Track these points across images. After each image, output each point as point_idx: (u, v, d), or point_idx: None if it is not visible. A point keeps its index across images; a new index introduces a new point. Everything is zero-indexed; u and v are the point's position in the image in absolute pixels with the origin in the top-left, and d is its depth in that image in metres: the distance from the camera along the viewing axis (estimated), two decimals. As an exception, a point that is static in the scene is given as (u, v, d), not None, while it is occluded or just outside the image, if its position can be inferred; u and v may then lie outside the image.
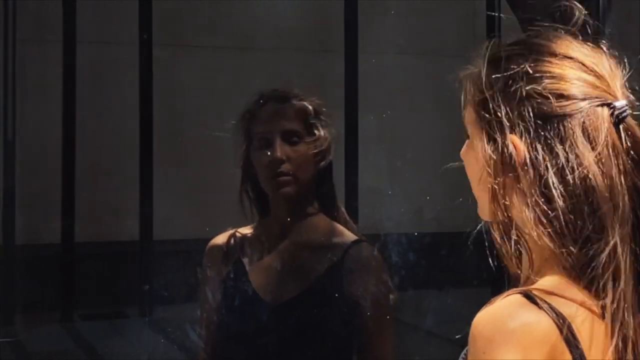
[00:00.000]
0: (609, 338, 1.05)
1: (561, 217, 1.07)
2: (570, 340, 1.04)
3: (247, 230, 2.15)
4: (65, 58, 7.54)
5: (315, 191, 2.10)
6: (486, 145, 1.14)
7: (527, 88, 1.11)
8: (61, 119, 7.55)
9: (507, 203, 1.12)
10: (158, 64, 7.81)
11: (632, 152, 1.10)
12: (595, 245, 1.06)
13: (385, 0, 8.51)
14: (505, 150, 1.11)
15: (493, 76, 1.14)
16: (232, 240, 2.14)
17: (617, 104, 1.10)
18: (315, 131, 2.08)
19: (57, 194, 7.54)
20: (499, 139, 1.12)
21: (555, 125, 1.09)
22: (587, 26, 1.17)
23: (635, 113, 1.12)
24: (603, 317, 1.06)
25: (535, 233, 1.10)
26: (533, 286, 1.09)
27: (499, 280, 1.21)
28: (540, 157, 1.09)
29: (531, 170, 1.10)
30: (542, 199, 1.09)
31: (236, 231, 2.16)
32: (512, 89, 1.12)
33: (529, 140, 1.10)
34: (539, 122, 1.10)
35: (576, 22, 1.16)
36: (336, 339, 2.01)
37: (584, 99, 1.10)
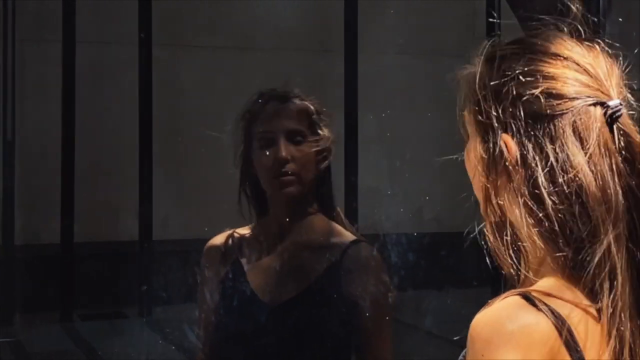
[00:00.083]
0: (605, 340, 1.04)
1: (552, 218, 1.07)
2: (570, 342, 1.03)
3: (245, 230, 2.15)
4: (64, 58, 7.54)
5: (315, 191, 2.09)
6: (480, 145, 1.14)
7: (519, 88, 1.11)
8: (61, 119, 7.55)
9: (501, 203, 1.11)
10: (158, 64, 7.81)
11: (625, 152, 1.09)
12: (588, 246, 1.06)
13: (385, 0, 8.51)
14: (498, 150, 1.11)
15: (487, 76, 1.14)
16: (230, 241, 2.13)
17: (611, 103, 1.09)
18: (319, 131, 2.08)
19: (56, 194, 7.54)
20: (492, 139, 1.12)
21: (546, 124, 1.09)
22: (587, 25, 1.16)
23: (631, 112, 1.12)
24: (600, 319, 1.05)
25: (526, 233, 1.09)
26: (531, 287, 1.08)
27: (498, 280, 1.20)
28: (531, 157, 1.09)
29: (522, 170, 1.09)
30: (533, 200, 1.08)
31: (234, 231, 2.15)
32: (505, 88, 1.12)
33: (520, 140, 1.10)
34: (529, 121, 1.09)
35: (574, 20, 1.16)
36: (335, 340, 2.00)
37: (575, 98, 1.09)
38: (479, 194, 1.16)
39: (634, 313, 1.06)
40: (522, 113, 1.10)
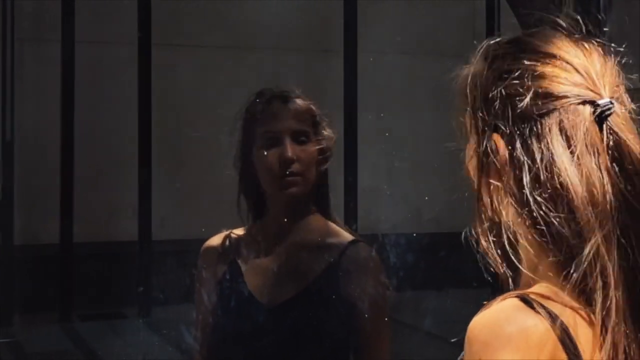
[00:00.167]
0: (599, 344, 1.03)
1: (539, 219, 1.06)
2: (568, 345, 1.02)
3: (242, 231, 2.14)
4: (64, 58, 7.54)
5: (314, 191, 2.09)
6: (473, 145, 1.13)
7: (509, 87, 1.10)
8: (60, 119, 7.54)
9: (494, 204, 1.11)
10: (157, 63, 7.80)
11: (614, 151, 1.07)
12: (577, 248, 1.04)
13: (385, 0, 8.51)
14: (488, 150, 1.11)
15: (479, 76, 1.13)
16: (227, 241, 2.12)
17: (600, 101, 1.08)
18: (323, 131, 2.08)
19: (56, 194, 7.54)
20: (484, 139, 1.12)
21: (533, 124, 1.08)
22: (586, 24, 1.15)
23: (624, 111, 1.10)
24: (594, 321, 1.04)
25: (516, 235, 1.09)
26: (529, 290, 1.07)
27: (498, 281, 1.19)
28: (518, 157, 1.08)
29: (511, 171, 1.09)
30: (520, 201, 1.07)
31: (231, 232, 2.14)
32: (495, 88, 1.11)
33: (509, 140, 1.09)
34: (518, 121, 1.09)
35: (572, 19, 1.15)
36: (333, 341, 1.99)
37: (563, 97, 1.08)
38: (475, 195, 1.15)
39: (629, 315, 1.04)
40: (511, 113, 1.09)
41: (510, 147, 1.09)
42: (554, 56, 1.11)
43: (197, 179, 7.97)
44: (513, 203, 1.08)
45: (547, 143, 1.07)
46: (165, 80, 8.04)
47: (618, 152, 1.07)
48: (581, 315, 1.04)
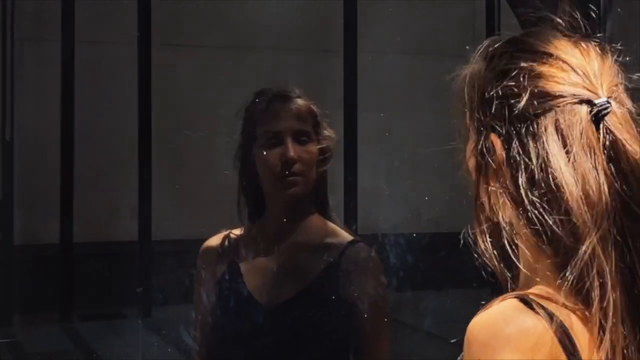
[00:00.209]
0: (597, 345, 1.03)
1: (534, 220, 1.05)
2: (567, 346, 1.02)
3: (242, 231, 2.13)
4: (64, 58, 7.53)
5: (314, 192, 2.08)
6: (472, 145, 1.13)
7: (506, 87, 1.10)
8: (60, 119, 7.54)
9: (492, 205, 1.10)
10: (157, 63, 7.80)
11: (610, 151, 1.06)
12: (572, 248, 1.04)
13: (385, 0, 8.50)
14: (486, 149, 1.10)
15: (477, 76, 1.13)
16: (226, 242, 2.12)
17: (597, 101, 1.07)
18: (324, 131, 2.07)
19: (55, 194, 7.53)
20: (481, 139, 1.11)
21: (529, 123, 1.08)
22: (586, 24, 1.15)
23: (620, 110, 1.09)
24: (593, 323, 1.03)
25: (513, 236, 1.08)
26: (529, 290, 1.07)
27: (498, 281, 1.19)
28: (514, 157, 1.08)
29: (508, 171, 1.08)
30: (516, 201, 1.07)
31: (230, 232, 2.13)
32: (493, 88, 1.11)
33: (506, 140, 1.09)
34: (515, 121, 1.08)
35: (572, 18, 1.15)
36: (333, 341, 1.99)
37: (559, 97, 1.08)
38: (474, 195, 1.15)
39: (627, 315, 1.03)
40: (507, 112, 1.09)
41: (506, 147, 1.08)
42: (551, 55, 1.11)
43: (197, 179, 7.97)
44: (510, 203, 1.08)
45: (543, 143, 1.06)
46: (165, 80, 8.03)
47: (614, 151, 1.06)
48: (580, 316, 1.04)
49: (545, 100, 1.07)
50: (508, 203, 1.08)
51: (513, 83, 1.09)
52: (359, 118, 7.52)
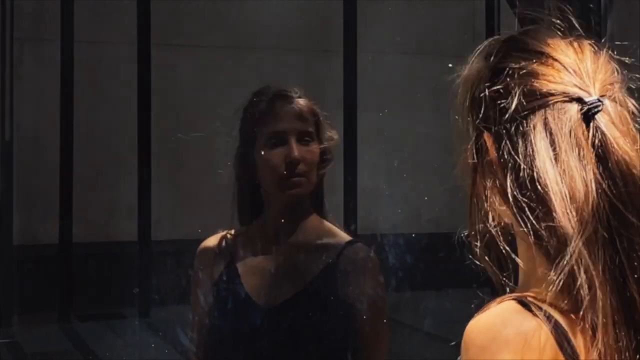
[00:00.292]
0: (592, 347, 1.01)
1: (522, 222, 1.04)
2: (566, 348, 1.01)
3: (239, 231, 2.12)
4: (63, 58, 7.53)
5: (313, 192, 2.08)
6: (467, 145, 1.12)
7: (498, 86, 1.09)
8: (59, 119, 7.53)
9: (485, 205, 1.09)
10: (157, 63, 7.79)
11: (599, 150, 1.05)
12: (557, 250, 1.02)
13: (385, 0, 8.50)
14: (479, 149, 1.10)
15: (473, 76, 1.13)
16: (223, 242, 2.11)
17: (588, 99, 1.06)
18: (326, 132, 2.07)
19: (55, 195, 7.53)
20: (475, 138, 1.11)
21: (519, 122, 1.07)
22: (586, 23, 1.14)
23: (615, 109, 1.08)
24: (585, 325, 1.02)
25: (502, 236, 1.08)
26: (528, 292, 1.05)
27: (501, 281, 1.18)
28: (505, 156, 1.07)
29: (500, 170, 1.07)
30: (507, 201, 1.06)
31: (228, 233, 2.12)
32: (487, 87, 1.10)
33: (497, 139, 1.08)
34: (505, 120, 1.08)
35: (571, 17, 1.14)
36: (331, 342, 1.98)
37: (549, 95, 1.07)
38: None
39: (619, 317, 1.02)
40: (499, 112, 1.08)
41: (497, 147, 1.08)
42: (543, 54, 1.10)
43: (197, 179, 7.96)
44: (503, 204, 1.07)
45: (531, 141, 1.05)
46: (165, 80, 8.03)
47: (603, 151, 1.05)
48: (574, 318, 1.02)
49: (535, 99, 1.07)
50: (502, 203, 1.07)
51: (505, 82, 1.09)
52: (359, 118, 7.52)
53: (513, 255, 1.10)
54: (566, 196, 1.02)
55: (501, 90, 1.08)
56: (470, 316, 1.04)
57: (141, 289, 7.40)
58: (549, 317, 1.01)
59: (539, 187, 1.03)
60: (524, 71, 1.08)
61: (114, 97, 8.04)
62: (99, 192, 7.97)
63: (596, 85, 1.08)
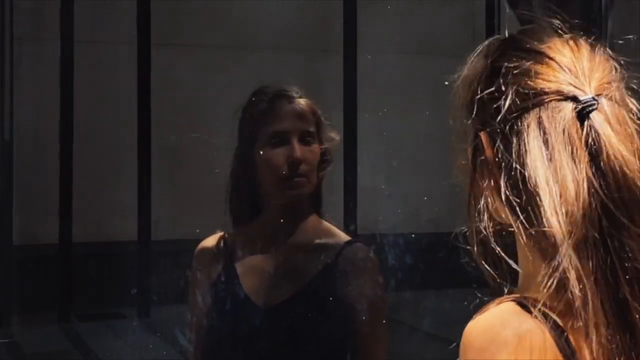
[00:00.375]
0: (588, 349, 1.01)
1: (514, 223, 1.04)
2: (566, 350, 1.00)
3: (238, 232, 2.11)
4: (62, 57, 7.52)
5: (312, 192, 2.07)
6: (465, 145, 1.12)
7: (494, 85, 1.09)
8: (59, 118, 7.53)
9: (482, 206, 1.09)
10: (157, 63, 7.79)
11: (591, 148, 1.04)
12: (548, 252, 1.01)
13: (385, 0, 8.50)
14: (476, 148, 1.10)
15: (471, 75, 1.12)
16: (222, 243, 2.10)
17: (582, 97, 1.05)
18: (327, 132, 2.06)
19: (54, 194, 7.53)
20: (473, 138, 1.11)
21: (514, 121, 1.06)
22: (587, 22, 1.14)
23: (611, 108, 1.07)
24: (580, 326, 1.01)
25: (492, 236, 1.07)
26: (527, 294, 1.05)
27: (500, 280, 1.17)
28: (500, 155, 1.06)
29: (495, 170, 1.07)
30: (502, 201, 1.05)
31: (226, 233, 2.11)
32: (485, 86, 1.10)
33: (493, 138, 1.08)
34: (501, 118, 1.07)
35: (572, 16, 1.13)
36: (330, 342, 1.97)
37: (543, 94, 1.06)
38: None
39: (613, 319, 1.01)
40: (495, 110, 1.08)
41: (493, 146, 1.07)
42: (539, 53, 1.09)
43: (197, 179, 7.96)
44: (499, 204, 1.07)
45: (524, 140, 1.04)
46: (165, 80, 8.03)
47: (597, 150, 1.04)
48: (572, 319, 1.02)
49: (530, 97, 1.06)
50: (498, 203, 1.07)
51: (501, 81, 1.08)
52: (359, 118, 7.52)
53: (505, 256, 1.09)
54: (556, 195, 1.02)
55: (497, 90, 1.08)
56: (470, 316, 1.04)
57: (141, 289, 7.40)
58: (547, 318, 1.00)
59: (529, 186, 1.02)
60: (520, 70, 1.08)
61: (114, 97, 8.04)
62: (99, 192, 7.97)
63: (592, 83, 1.07)
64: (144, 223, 7.63)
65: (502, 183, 1.05)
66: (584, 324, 1.00)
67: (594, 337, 1.00)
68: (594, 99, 1.05)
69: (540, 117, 1.05)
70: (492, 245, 1.08)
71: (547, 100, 1.06)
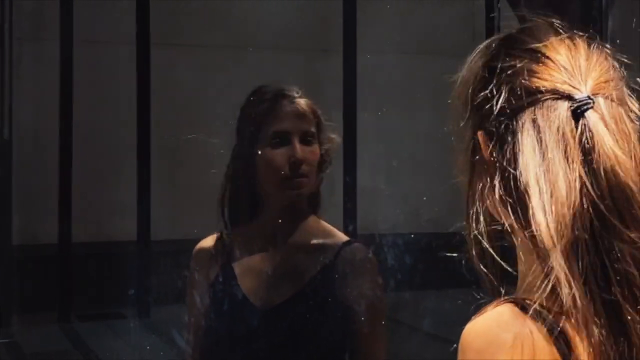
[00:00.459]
0: (585, 351, 1.00)
1: (504, 221, 1.03)
2: (565, 352, 1.00)
3: (236, 232, 2.10)
4: (62, 57, 7.52)
5: (312, 192, 2.07)
6: (464, 145, 1.12)
7: (492, 84, 1.08)
8: (58, 118, 7.53)
9: (479, 207, 1.08)
10: (156, 63, 7.79)
11: (584, 148, 1.03)
12: (538, 252, 1.00)
13: (385, 0, 8.49)
14: (474, 148, 1.09)
15: (469, 75, 1.12)
16: (220, 243, 2.09)
17: (578, 96, 1.04)
18: (328, 132, 2.06)
19: (54, 194, 7.52)
20: (470, 138, 1.10)
21: (509, 120, 1.06)
22: (587, 22, 1.14)
23: (608, 108, 1.06)
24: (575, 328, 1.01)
25: (488, 237, 1.07)
26: (525, 295, 1.04)
27: (497, 282, 1.17)
28: (495, 155, 1.06)
29: (492, 169, 1.07)
30: (495, 202, 1.05)
31: (224, 233, 2.11)
32: (482, 85, 1.10)
33: (489, 138, 1.07)
34: (497, 118, 1.07)
35: (572, 16, 1.13)
36: (328, 343, 1.97)
37: (538, 92, 1.05)
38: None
39: (605, 322, 1.00)
40: (491, 110, 1.07)
41: (489, 145, 1.07)
42: (535, 52, 1.09)
43: (197, 179, 7.95)
44: (495, 204, 1.06)
45: (518, 139, 1.04)
46: (165, 80, 8.03)
47: (590, 150, 1.03)
48: (567, 320, 1.01)
49: (525, 96, 1.06)
50: (494, 204, 1.06)
51: (497, 80, 1.08)
52: (359, 118, 7.51)
53: (497, 258, 1.08)
54: (546, 194, 1.01)
55: (494, 89, 1.08)
56: (469, 316, 1.03)
57: (141, 289, 7.39)
58: (545, 320, 1.00)
59: (520, 185, 1.02)
60: (516, 69, 1.07)
61: (114, 97, 8.04)
62: (99, 192, 7.96)
63: (588, 82, 1.06)
64: (143, 223, 7.63)
65: (496, 183, 1.04)
66: (575, 324, 0.99)
67: (586, 338, 0.99)
68: (589, 97, 1.05)
69: (535, 116, 1.04)
70: (485, 245, 1.08)
71: (542, 99, 1.05)
